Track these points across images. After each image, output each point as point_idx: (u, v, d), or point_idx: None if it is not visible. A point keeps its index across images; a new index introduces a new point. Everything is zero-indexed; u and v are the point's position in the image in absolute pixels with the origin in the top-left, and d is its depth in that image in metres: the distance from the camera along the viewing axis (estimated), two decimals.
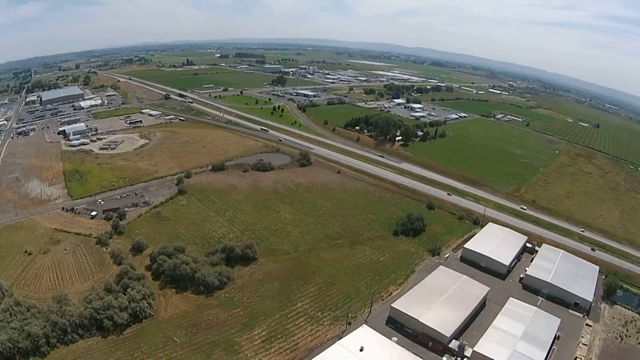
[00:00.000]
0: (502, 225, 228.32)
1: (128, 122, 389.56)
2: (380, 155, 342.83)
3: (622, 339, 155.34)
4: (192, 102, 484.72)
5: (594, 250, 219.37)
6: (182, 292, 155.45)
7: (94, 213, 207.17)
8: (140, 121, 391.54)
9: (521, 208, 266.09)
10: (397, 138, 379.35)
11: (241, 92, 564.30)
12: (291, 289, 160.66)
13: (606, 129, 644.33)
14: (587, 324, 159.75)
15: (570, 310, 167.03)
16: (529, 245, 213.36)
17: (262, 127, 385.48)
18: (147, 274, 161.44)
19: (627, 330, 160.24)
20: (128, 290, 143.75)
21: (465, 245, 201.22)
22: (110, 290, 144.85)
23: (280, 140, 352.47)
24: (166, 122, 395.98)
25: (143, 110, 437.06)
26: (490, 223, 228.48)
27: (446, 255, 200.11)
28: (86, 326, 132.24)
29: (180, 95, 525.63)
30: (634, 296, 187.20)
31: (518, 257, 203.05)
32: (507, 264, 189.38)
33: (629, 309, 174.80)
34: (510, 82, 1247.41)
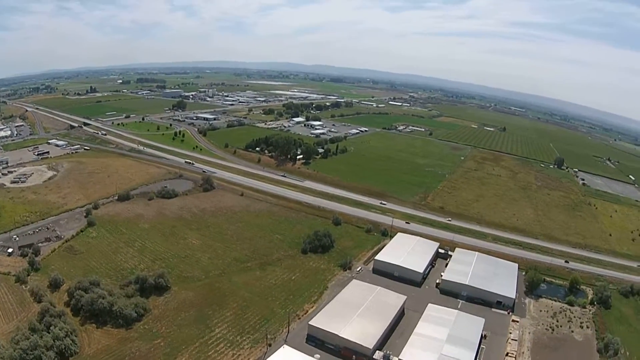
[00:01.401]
0: (412, 234, 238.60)
1: (36, 153, 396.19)
2: (282, 175, 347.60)
3: (553, 330, 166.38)
4: (105, 135, 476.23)
5: (568, 262, 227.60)
6: (102, 326, 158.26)
7: (10, 250, 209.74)
8: (48, 152, 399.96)
9: (380, 203, 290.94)
10: (298, 157, 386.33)
11: (143, 119, 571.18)
12: (207, 315, 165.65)
13: (513, 131, 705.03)
14: (513, 320, 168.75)
15: (493, 309, 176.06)
16: (441, 251, 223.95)
17: (187, 160, 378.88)
18: (67, 310, 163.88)
19: (557, 321, 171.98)
20: (51, 328, 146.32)
21: (377, 257, 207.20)
22: (35, 329, 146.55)
23: (204, 171, 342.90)
24: (72, 152, 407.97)
25: (50, 141, 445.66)
26: (399, 233, 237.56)
27: (358, 269, 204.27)
28: None
29: (85, 124, 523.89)
30: (559, 287, 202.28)
31: (432, 264, 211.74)
32: (421, 271, 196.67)
33: (555, 300, 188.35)
34: (411, 94, 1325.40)
